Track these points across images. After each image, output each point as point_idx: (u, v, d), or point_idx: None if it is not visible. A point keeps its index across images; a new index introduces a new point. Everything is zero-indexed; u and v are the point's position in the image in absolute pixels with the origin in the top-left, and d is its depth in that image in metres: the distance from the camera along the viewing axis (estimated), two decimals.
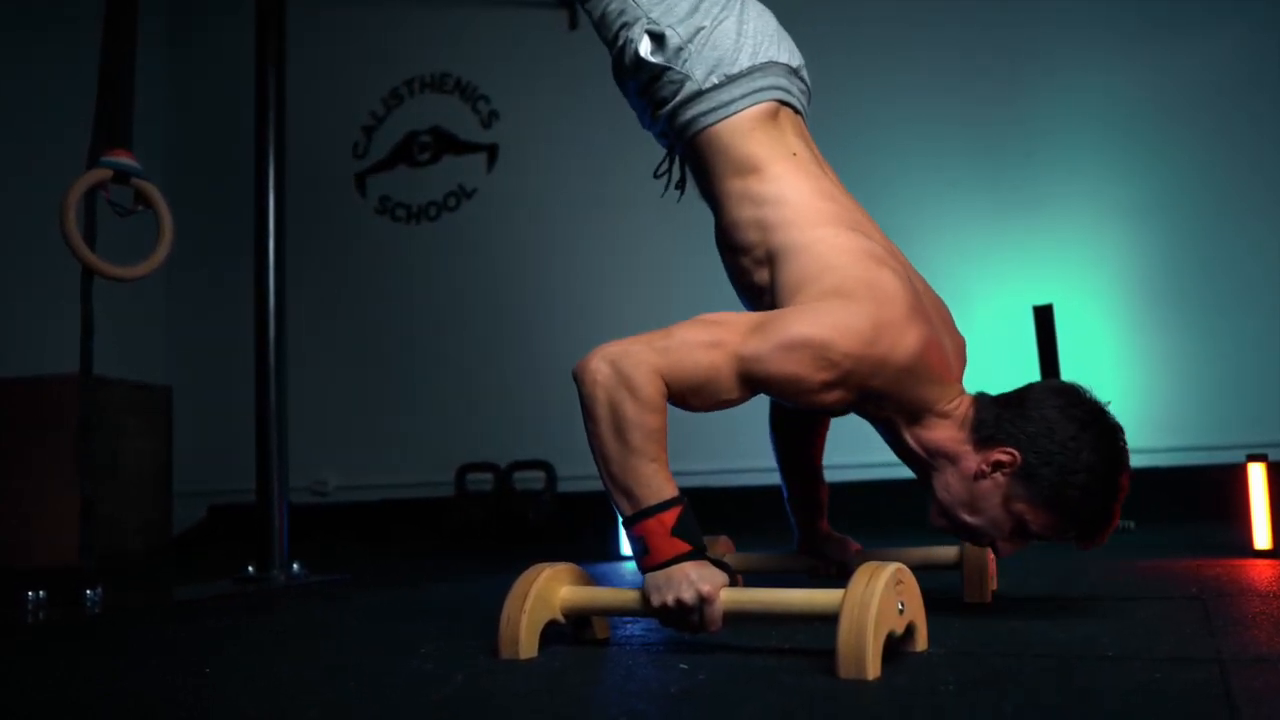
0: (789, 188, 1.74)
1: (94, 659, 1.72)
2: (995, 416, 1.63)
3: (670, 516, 1.46)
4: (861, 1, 4.67)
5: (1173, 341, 4.02)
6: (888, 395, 1.61)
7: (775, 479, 2.23)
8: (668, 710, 1.15)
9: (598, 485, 4.83)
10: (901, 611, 1.37)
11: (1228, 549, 2.63)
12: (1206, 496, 3.55)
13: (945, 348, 1.69)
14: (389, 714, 1.19)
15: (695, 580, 1.43)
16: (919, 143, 4.35)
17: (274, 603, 2.50)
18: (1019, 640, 1.50)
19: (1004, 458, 1.59)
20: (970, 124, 4.38)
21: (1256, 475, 2.57)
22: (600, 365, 1.50)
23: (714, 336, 1.53)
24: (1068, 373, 3.53)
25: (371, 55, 5.70)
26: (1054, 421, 1.58)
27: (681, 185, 2.03)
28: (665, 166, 2.05)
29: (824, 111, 2.10)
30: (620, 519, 1.51)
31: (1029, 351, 3.53)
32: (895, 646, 1.38)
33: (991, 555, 2.00)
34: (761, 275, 1.74)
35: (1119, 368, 4.05)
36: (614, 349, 1.51)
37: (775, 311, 1.59)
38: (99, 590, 2.46)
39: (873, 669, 1.26)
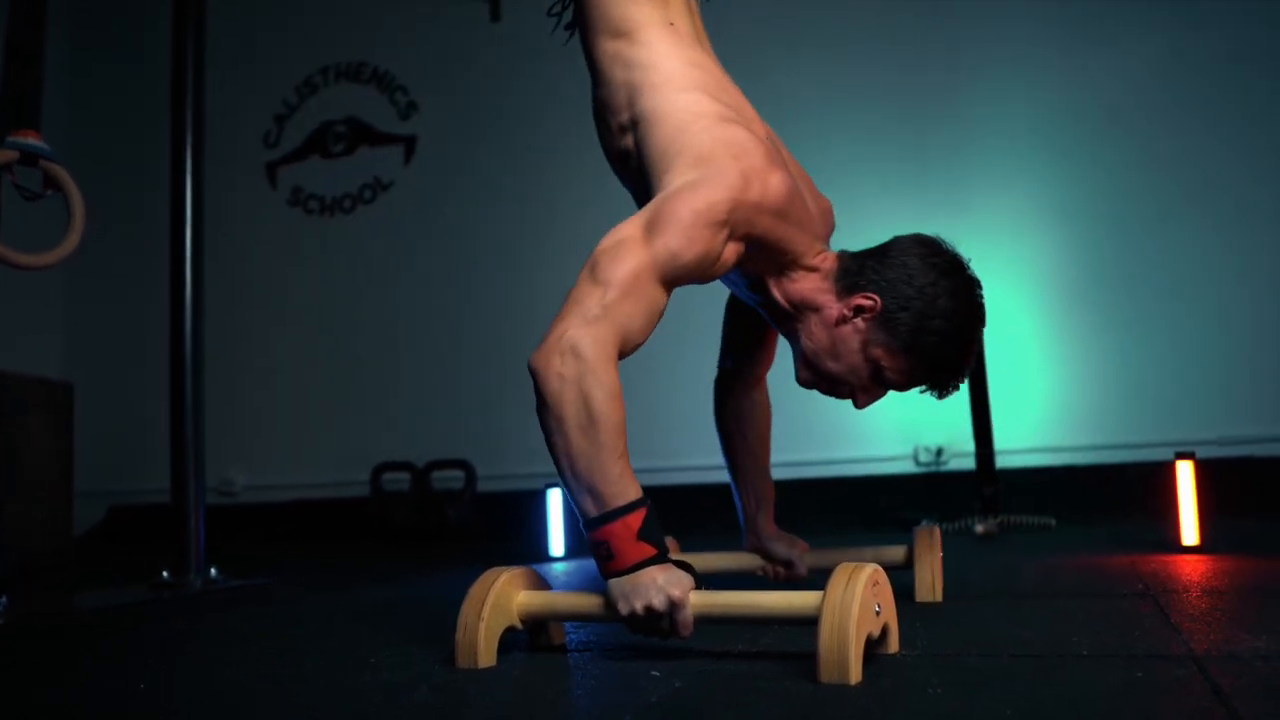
0: (660, 54, 1.73)
1: (6, 675, 1.60)
2: (859, 265, 1.67)
3: (636, 519, 1.40)
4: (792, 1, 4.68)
5: (1098, 341, 4.10)
6: (765, 243, 1.62)
7: (715, 477, 2.19)
8: None
9: (517, 485, 4.78)
10: (878, 613, 1.35)
11: (1155, 545, 2.68)
12: (1127, 494, 3.64)
13: (808, 201, 1.74)
14: None
15: (664, 585, 1.38)
16: (846, 144, 4.38)
17: (196, 610, 2.39)
18: (989, 640, 1.49)
19: (865, 302, 1.63)
20: (897, 126, 4.42)
21: (1184, 473, 2.62)
22: (564, 359, 1.41)
23: (631, 264, 1.47)
24: (995, 374, 3.59)
25: (285, 41, 5.53)
26: (914, 269, 1.62)
27: (571, 29, 1.97)
28: (559, 7, 1.99)
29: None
30: (581, 520, 1.44)
31: None
32: (870, 649, 1.35)
33: (940, 555, 2.00)
34: (627, 141, 1.75)
35: (1045, 367, 4.13)
36: (569, 335, 1.42)
37: (655, 204, 1.55)
38: (3, 599, 2.31)
39: (855, 673, 1.23)
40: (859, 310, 1.64)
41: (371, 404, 5.11)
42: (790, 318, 1.73)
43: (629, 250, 1.49)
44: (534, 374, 1.45)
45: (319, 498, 5.00)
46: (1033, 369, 4.12)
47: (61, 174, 2.43)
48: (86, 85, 5.79)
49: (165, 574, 2.80)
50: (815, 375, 1.73)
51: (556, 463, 1.45)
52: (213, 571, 2.85)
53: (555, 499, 3.41)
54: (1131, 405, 4.01)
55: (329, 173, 5.35)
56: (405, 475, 4.64)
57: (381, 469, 4.66)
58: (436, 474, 4.63)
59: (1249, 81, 4.04)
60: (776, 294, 1.71)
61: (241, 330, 5.20)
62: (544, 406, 1.44)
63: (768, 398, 2.13)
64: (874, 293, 1.63)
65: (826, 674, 1.24)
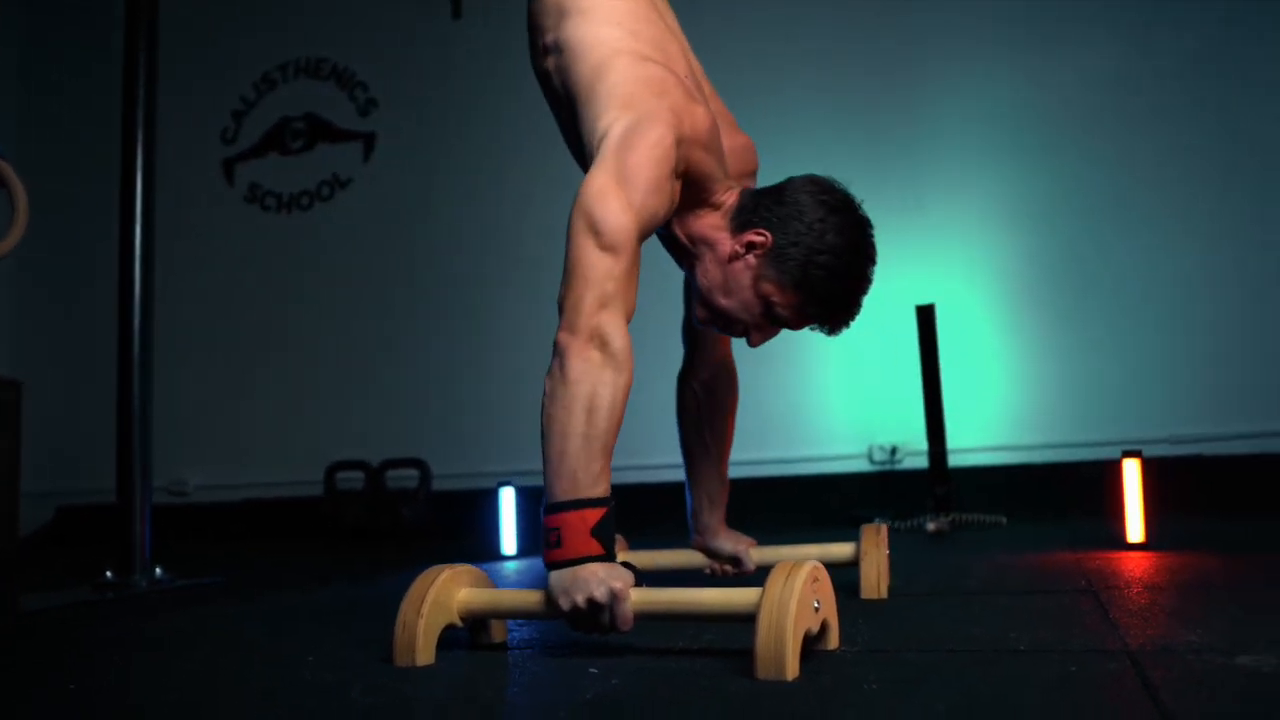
0: None
1: None
2: (754, 203, 1.71)
3: (594, 515, 1.41)
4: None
5: (1051, 341, 4.13)
6: (692, 178, 1.66)
7: (668, 476, 2.17)
8: (592, 718, 1.09)
9: (472, 484, 4.73)
10: (817, 609, 1.34)
11: (1102, 542, 2.70)
12: (1079, 492, 3.67)
13: (723, 138, 1.79)
14: None
15: (605, 578, 1.38)
16: (802, 141, 4.38)
17: (139, 610, 2.35)
18: (929, 636, 1.50)
19: (756, 238, 1.67)
20: (854, 125, 4.43)
21: (1131, 471, 2.65)
22: (594, 345, 1.45)
23: (626, 228, 1.50)
24: (949, 371, 3.61)
25: (243, 37, 5.47)
26: (804, 205, 1.66)
27: None
28: None
29: None
30: (544, 500, 1.45)
31: (912, 350, 3.59)
32: (809, 646, 1.35)
33: (887, 552, 2.00)
34: (549, 63, 1.78)
35: (999, 367, 4.14)
36: (596, 321, 1.46)
37: (614, 155, 1.55)
38: None
39: (792, 670, 1.23)
40: (750, 246, 1.67)
41: (327, 403, 5.06)
42: (687, 253, 1.76)
43: (619, 208, 1.51)
44: (561, 350, 1.47)
45: (272, 497, 4.95)
46: (988, 369, 4.14)
47: (5, 169, 2.38)
48: (37, 79, 5.70)
49: (109, 574, 2.76)
50: (710, 312, 1.75)
51: (548, 434, 1.45)
52: (158, 571, 2.82)
53: (508, 498, 3.39)
54: (1085, 404, 4.04)
55: (287, 169, 5.30)
56: (359, 474, 4.61)
57: (336, 468, 4.62)
58: (391, 473, 4.60)
59: (1205, 84, 4.08)
60: (676, 228, 1.75)
61: (197, 328, 5.14)
62: (562, 380, 1.45)
63: (732, 384, 2.10)
64: (765, 229, 1.66)
65: (764, 670, 1.23)
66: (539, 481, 1.47)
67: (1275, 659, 1.21)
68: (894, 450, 4.20)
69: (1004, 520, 3.51)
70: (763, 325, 1.73)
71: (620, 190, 1.51)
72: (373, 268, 5.11)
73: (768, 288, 1.67)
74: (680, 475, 2.15)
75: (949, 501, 3.52)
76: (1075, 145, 4.18)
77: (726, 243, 1.71)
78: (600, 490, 1.43)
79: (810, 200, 1.66)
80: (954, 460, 3.65)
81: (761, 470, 4.18)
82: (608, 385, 1.44)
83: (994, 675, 1.21)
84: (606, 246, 1.48)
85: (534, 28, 1.83)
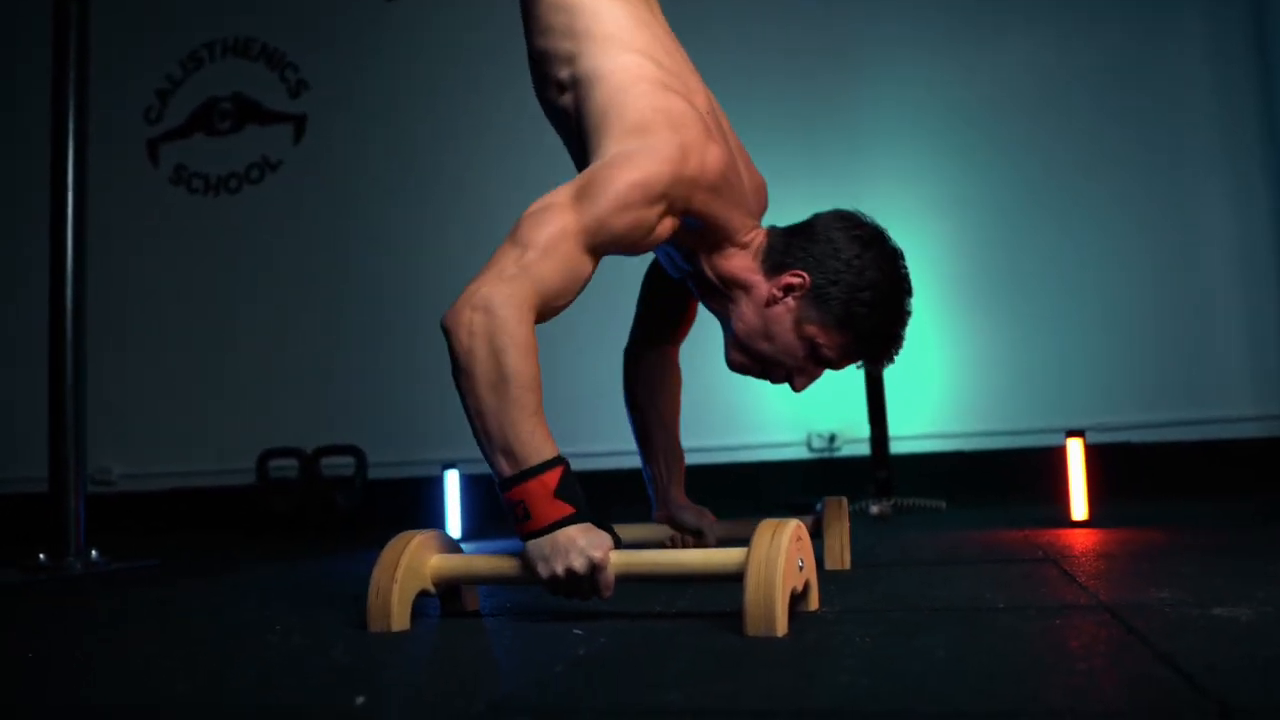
0: (604, 5, 1.70)
1: None
2: (785, 244, 1.67)
3: (553, 478, 1.36)
4: None
5: (992, 329, 4.20)
6: (701, 218, 1.61)
7: (614, 463, 2.15)
8: (589, 672, 1.07)
9: (411, 472, 4.64)
10: (801, 569, 1.35)
11: (1046, 521, 2.76)
12: (1014, 478, 3.74)
13: (742, 176, 1.74)
14: (274, 684, 1.07)
15: (584, 546, 1.34)
16: (739, 134, 4.40)
17: (80, 590, 2.26)
18: (905, 599, 1.51)
19: (794, 280, 1.63)
20: (792, 117, 4.45)
21: (1075, 450, 2.71)
22: (474, 315, 1.38)
23: (554, 228, 1.45)
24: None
25: (168, 14, 5.31)
26: (839, 243, 1.63)
27: None
28: None
29: None
30: (496, 483, 1.40)
31: None
32: (792, 606, 1.34)
33: (848, 524, 2.02)
34: (566, 99, 1.71)
35: (941, 355, 4.19)
36: (482, 292, 1.39)
37: (590, 172, 1.52)
38: None
39: (781, 626, 1.23)
40: (789, 289, 1.64)
41: (258, 389, 4.95)
42: (720, 295, 1.72)
43: (554, 215, 1.46)
44: (445, 332, 1.41)
45: (202, 485, 4.82)
46: (929, 356, 4.18)
47: None
48: None
49: (41, 556, 2.66)
50: (748, 358, 1.72)
51: (471, 424, 1.41)
52: (93, 554, 2.73)
53: (453, 481, 3.34)
54: (1019, 393, 4.11)
55: (214, 151, 5.17)
56: (293, 462, 4.51)
57: (268, 455, 4.52)
58: (326, 460, 4.51)
59: (1125, 85, 4.19)
60: (707, 269, 1.70)
61: (118, 311, 4.98)
62: (456, 365, 1.40)
63: (679, 368, 2.13)
64: (802, 269, 1.63)
65: (753, 627, 1.23)
66: (476, 470, 1.44)
67: (1250, 610, 1.24)
68: (832, 438, 4.23)
69: (943, 505, 3.56)
70: (807, 367, 1.70)
71: (570, 204, 1.47)
72: (304, 251, 5.00)
73: (811, 329, 1.64)
74: (609, 464, 2.14)
75: (889, 486, 3.56)
76: (1012, 137, 4.26)
77: (763, 286, 1.66)
78: (547, 453, 1.37)
79: (844, 236, 1.64)
80: (893, 448, 3.70)
81: (699, 457, 4.15)
82: (501, 351, 1.37)
83: (981, 628, 1.22)
84: (519, 242, 1.45)
85: (546, 60, 1.73)
